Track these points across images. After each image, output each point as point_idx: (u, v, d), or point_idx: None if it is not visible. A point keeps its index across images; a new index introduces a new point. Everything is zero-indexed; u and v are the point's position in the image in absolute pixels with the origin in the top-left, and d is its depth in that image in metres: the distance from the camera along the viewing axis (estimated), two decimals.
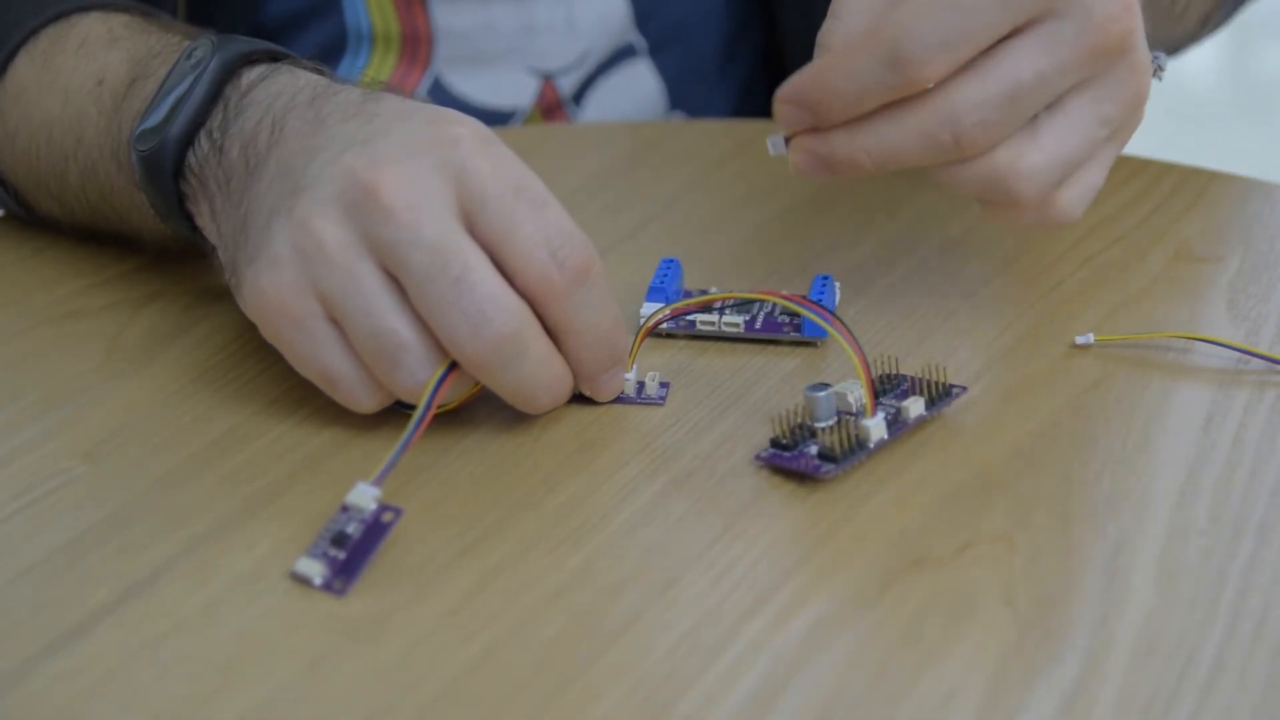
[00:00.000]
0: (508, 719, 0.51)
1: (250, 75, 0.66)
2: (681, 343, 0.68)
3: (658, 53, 0.95)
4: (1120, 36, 0.62)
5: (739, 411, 0.63)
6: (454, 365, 0.59)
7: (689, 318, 0.68)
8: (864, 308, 0.70)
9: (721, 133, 0.87)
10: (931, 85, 0.60)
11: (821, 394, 0.61)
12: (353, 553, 0.56)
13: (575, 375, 0.62)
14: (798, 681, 0.51)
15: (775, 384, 0.65)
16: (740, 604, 0.54)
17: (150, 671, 0.53)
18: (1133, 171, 0.79)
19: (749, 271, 0.72)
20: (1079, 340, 0.66)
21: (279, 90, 0.64)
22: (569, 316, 0.60)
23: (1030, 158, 0.62)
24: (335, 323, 0.60)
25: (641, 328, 0.64)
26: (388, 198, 0.58)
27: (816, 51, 0.63)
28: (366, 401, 0.61)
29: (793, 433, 0.60)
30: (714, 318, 0.68)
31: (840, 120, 0.62)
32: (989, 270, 0.72)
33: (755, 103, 0.99)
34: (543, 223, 0.59)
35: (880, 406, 0.61)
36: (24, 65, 0.75)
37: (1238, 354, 0.65)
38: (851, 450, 0.59)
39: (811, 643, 0.53)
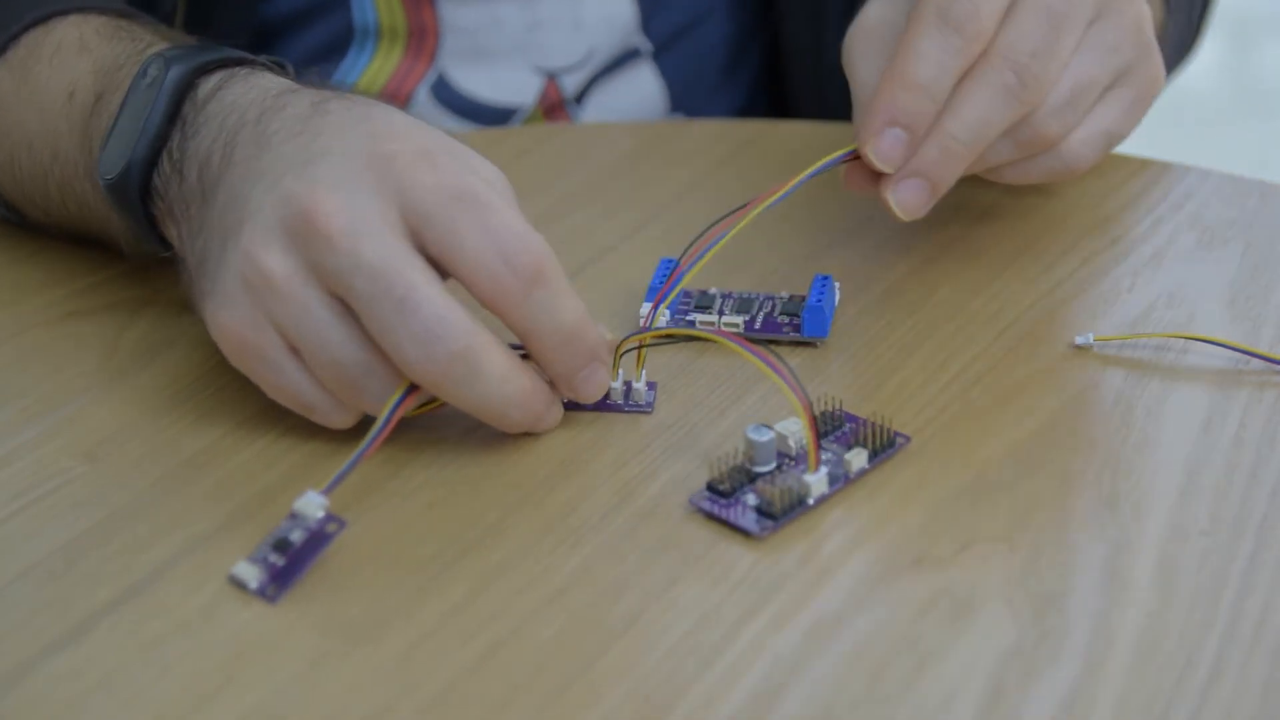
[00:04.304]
0: (507, 719, 0.51)
1: (206, 86, 0.65)
2: (682, 343, 0.68)
3: (661, 56, 0.95)
4: None
5: (739, 411, 0.63)
6: (414, 385, 0.59)
7: (689, 318, 0.68)
8: (864, 308, 0.70)
9: (721, 133, 0.87)
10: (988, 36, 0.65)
11: (764, 438, 0.59)
12: (292, 560, 0.55)
13: (553, 379, 0.61)
14: (798, 682, 0.51)
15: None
16: (740, 604, 0.54)
17: (150, 671, 0.53)
18: (1133, 171, 0.79)
19: (749, 272, 0.72)
20: (1078, 340, 0.66)
21: (232, 103, 0.64)
22: (529, 319, 0.59)
23: (1053, 92, 0.67)
24: (297, 351, 0.60)
25: (617, 346, 0.63)
26: (325, 224, 0.58)
27: (854, 89, 0.68)
28: (341, 420, 0.61)
29: (730, 476, 0.58)
30: (714, 318, 0.68)
31: (928, 113, 0.65)
32: (989, 270, 0.72)
33: (757, 112, 0.98)
34: (489, 228, 0.58)
35: (822, 450, 0.60)
36: (2, 75, 0.74)
37: (1238, 354, 0.65)
38: (791, 506, 0.57)
39: (811, 643, 0.53)
